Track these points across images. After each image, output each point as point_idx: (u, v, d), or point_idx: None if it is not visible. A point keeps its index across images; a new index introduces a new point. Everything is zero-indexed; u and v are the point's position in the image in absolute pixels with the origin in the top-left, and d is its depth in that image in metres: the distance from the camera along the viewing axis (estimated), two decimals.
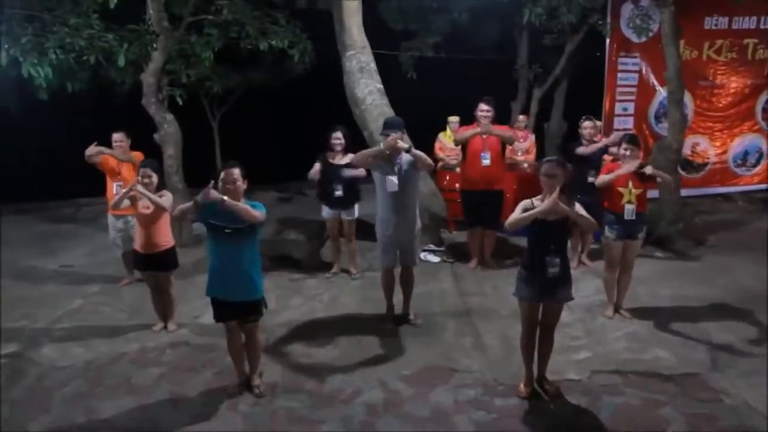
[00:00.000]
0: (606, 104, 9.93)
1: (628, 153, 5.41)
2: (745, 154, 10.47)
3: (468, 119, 7.16)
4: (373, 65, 7.84)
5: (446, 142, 8.97)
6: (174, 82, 8.44)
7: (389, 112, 7.64)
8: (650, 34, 8.98)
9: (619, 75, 9.84)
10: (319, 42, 8.91)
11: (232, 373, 4.52)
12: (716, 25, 9.76)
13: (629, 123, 10.04)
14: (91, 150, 6.33)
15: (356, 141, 7.04)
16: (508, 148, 7.89)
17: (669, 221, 7.72)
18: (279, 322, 5.58)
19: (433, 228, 7.62)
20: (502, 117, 11.43)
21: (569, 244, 4.17)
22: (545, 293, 4.15)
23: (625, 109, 9.99)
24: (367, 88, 7.68)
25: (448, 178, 8.56)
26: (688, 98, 9.23)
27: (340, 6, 7.77)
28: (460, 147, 7.00)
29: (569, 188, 4.08)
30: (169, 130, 7.82)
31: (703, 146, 10.30)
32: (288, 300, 6.13)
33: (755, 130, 10.38)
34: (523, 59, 11.65)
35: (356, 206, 6.77)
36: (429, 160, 5.23)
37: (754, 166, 10.53)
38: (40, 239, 8.91)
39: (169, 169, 7.80)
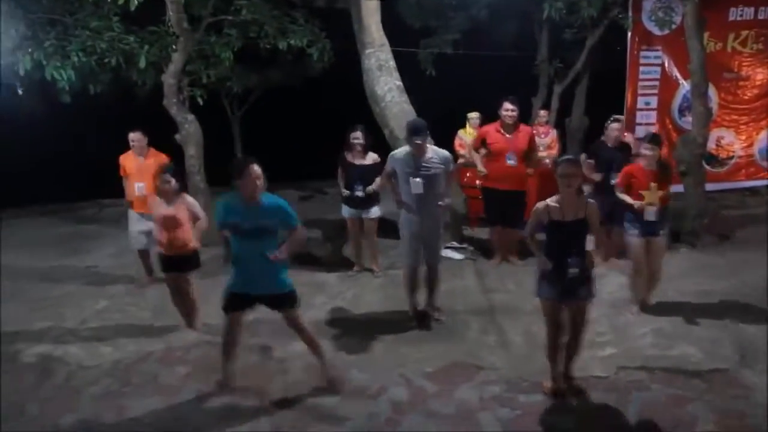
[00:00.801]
0: (628, 99, 9.83)
1: (649, 152, 5.36)
2: None
3: (488, 115, 7.14)
4: (392, 63, 7.83)
5: (466, 138, 8.94)
6: (194, 83, 8.51)
7: (409, 109, 7.64)
8: (673, 27, 8.90)
9: (641, 69, 9.74)
10: (338, 40, 8.92)
11: (253, 372, 4.54)
12: (741, 15, 9.60)
13: (652, 117, 9.93)
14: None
15: (376, 139, 7.04)
16: None
17: (694, 216, 7.61)
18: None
19: (455, 225, 7.60)
20: (524, 113, 11.41)
21: (591, 242, 4.14)
22: (566, 293, 4.12)
23: (647, 104, 9.88)
24: (386, 85, 7.67)
25: (468, 174, 8.51)
26: (712, 91, 9.09)
27: (359, 4, 7.76)
28: (481, 144, 6.95)
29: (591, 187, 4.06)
30: (190, 130, 7.87)
31: (728, 140, 10.15)
32: (311, 298, 6.14)
33: None
34: (543, 54, 11.56)
35: (377, 207, 6.76)
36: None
37: None
38: (64, 240, 9.03)
39: (191, 168, 7.86)
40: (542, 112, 9.87)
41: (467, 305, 5.95)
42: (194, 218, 5.34)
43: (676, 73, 9.70)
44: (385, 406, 4.23)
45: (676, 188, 6.43)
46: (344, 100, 9.75)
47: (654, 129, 9.80)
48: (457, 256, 7.31)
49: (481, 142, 6.95)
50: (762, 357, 4.69)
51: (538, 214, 4.10)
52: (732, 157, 10.21)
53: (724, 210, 9.04)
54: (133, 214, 6.70)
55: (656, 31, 9.28)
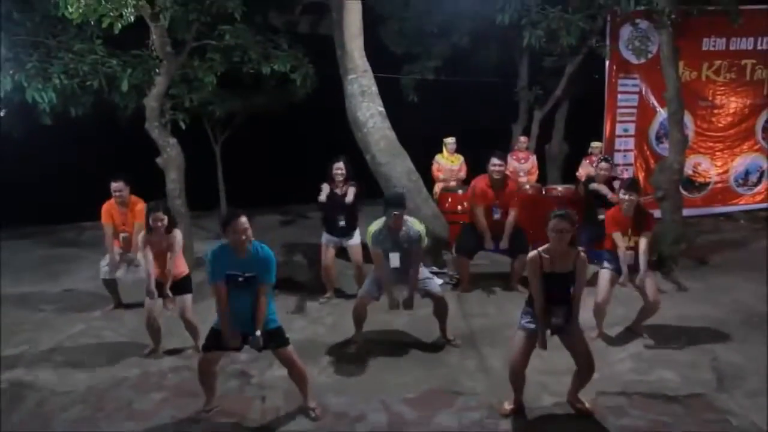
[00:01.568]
0: (607, 125, 9.99)
1: (625, 198, 5.40)
2: (747, 173, 10.48)
3: (467, 141, 7.19)
4: (374, 89, 7.89)
5: (443, 163, 9.07)
6: (177, 107, 8.50)
7: (391, 135, 7.69)
8: (649, 56, 9.07)
9: (620, 96, 9.92)
10: (321, 66, 8.99)
11: (232, 397, 4.49)
12: (714, 46, 9.84)
13: (630, 144, 10.10)
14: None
15: (358, 165, 7.07)
16: (510, 169, 7.94)
17: (671, 241, 7.70)
18: None
19: (435, 250, 7.61)
20: (504, 139, 11.57)
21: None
22: (552, 332, 4.16)
23: (625, 130, 10.05)
24: (368, 111, 7.73)
25: (450, 200, 8.57)
26: (688, 118, 9.28)
27: (342, 30, 7.84)
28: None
29: (576, 237, 4.10)
30: (171, 154, 7.84)
31: (704, 166, 10.33)
32: (291, 323, 6.08)
33: (756, 149, 10.40)
34: (523, 81, 11.75)
35: (356, 232, 6.81)
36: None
37: (756, 185, 10.53)
38: (42, 263, 8.90)
39: (172, 192, 7.82)
40: (522, 139, 10.01)
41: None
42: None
43: (653, 100, 9.88)
44: None
45: (654, 214, 6.49)
46: (326, 125, 9.81)
47: (632, 155, 9.98)
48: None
49: (473, 195, 7.02)
50: (739, 381, 4.72)
51: (534, 268, 4.11)
52: (708, 183, 10.38)
53: (700, 235, 9.15)
54: (113, 250, 6.57)
55: (633, 60, 9.46)
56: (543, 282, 4.10)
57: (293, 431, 4.22)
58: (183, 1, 7.30)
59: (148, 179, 6.72)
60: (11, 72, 6.87)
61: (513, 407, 4.34)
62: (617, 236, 5.43)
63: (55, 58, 7.17)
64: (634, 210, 5.42)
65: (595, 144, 9.50)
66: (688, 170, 9.54)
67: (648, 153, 10.10)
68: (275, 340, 4.30)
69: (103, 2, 5.74)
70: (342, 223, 6.67)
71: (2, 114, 7.90)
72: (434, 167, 9.15)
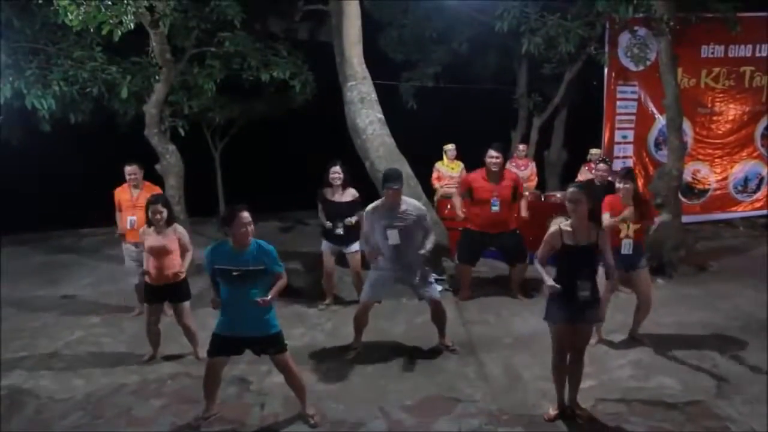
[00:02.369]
0: (606, 132, 9.98)
1: (622, 187, 5.43)
2: (746, 180, 10.47)
3: (466, 147, 7.19)
4: (373, 95, 7.92)
5: (444, 170, 9.05)
6: (176, 113, 8.51)
7: (390, 141, 7.71)
8: (648, 63, 9.07)
9: (618, 103, 9.91)
10: (320, 73, 9.01)
11: (231, 404, 4.47)
12: (713, 53, 9.84)
13: (629, 150, 10.08)
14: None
15: (358, 172, 7.06)
16: None
17: (671, 248, 7.70)
18: None
19: (435, 257, 7.60)
20: (503, 146, 11.56)
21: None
22: (576, 316, 4.16)
23: (624, 137, 10.05)
24: (368, 118, 7.75)
25: (449, 206, 8.56)
26: (687, 125, 9.28)
27: (341, 37, 7.87)
28: (466, 191, 6.97)
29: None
30: (171, 161, 7.86)
31: (704, 173, 10.32)
32: (290, 329, 6.05)
33: (755, 156, 10.39)
34: (522, 88, 11.76)
35: (357, 243, 6.75)
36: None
37: (755, 192, 10.51)
38: (41, 269, 8.89)
39: (171, 199, 7.76)
40: (521, 146, 10.02)
41: None
42: (183, 249, 5.40)
43: (652, 107, 9.89)
44: None
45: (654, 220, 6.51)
46: (326, 132, 9.81)
47: (631, 161, 9.98)
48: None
49: (467, 190, 6.97)
50: (739, 388, 4.72)
51: (552, 239, 4.16)
52: (708, 190, 10.38)
53: (700, 242, 9.15)
54: (127, 246, 6.58)
55: (632, 67, 9.47)
56: (567, 255, 4.12)
57: None
58: (183, 9, 7.33)
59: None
60: (11, 79, 6.88)
61: (556, 413, 4.33)
62: (605, 216, 5.36)
63: (54, 65, 7.20)
64: (634, 199, 5.43)
65: (594, 151, 9.50)
66: (687, 177, 9.54)
67: (647, 160, 10.09)
68: (275, 345, 4.29)
69: (103, 9, 5.75)
70: (339, 231, 6.57)
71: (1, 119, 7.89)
72: (434, 175, 9.14)
